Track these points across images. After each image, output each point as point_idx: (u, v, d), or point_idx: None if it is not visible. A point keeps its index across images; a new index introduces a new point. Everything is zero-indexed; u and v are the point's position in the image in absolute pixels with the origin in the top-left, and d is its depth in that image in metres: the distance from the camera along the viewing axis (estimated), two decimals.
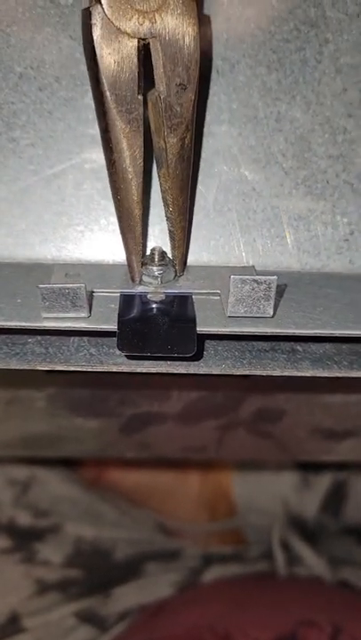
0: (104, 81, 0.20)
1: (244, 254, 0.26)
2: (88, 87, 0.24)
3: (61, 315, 0.21)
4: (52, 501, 0.71)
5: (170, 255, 0.24)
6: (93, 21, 0.19)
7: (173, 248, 0.24)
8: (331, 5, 0.25)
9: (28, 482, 0.71)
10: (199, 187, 0.25)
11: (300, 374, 0.23)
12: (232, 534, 0.77)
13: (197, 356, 0.22)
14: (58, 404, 0.35)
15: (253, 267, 0.25)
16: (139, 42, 0.20)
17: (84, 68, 0.24)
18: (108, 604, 0.68)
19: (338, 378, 0.32)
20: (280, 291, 0.23)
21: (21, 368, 0.22)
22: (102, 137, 0.21)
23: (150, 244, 0.24)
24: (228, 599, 0.66)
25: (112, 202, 0.24)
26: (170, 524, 0.76)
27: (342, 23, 0.25)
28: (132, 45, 0.20)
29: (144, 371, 0.23)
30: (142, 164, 0.22)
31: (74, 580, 0.68)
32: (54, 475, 0.72)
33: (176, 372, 0.23)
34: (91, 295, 0.22)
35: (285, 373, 0.23)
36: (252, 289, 0.21)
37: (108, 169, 0.22)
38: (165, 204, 0.23)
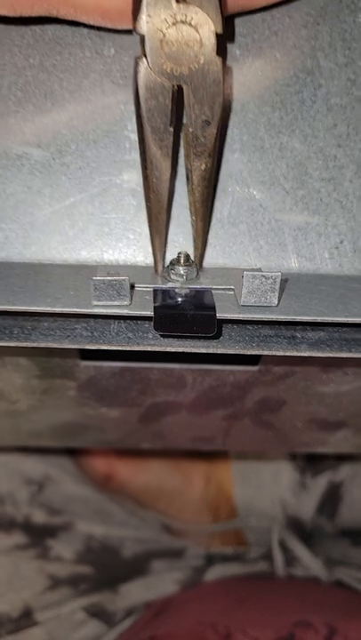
0: (144, 115, 0.25)
1: (252, 259, 0.31)
2: (126, 122, 0.30)
3: (108, 302, 0.26)
4: (64, 501, 0.75)
5: (192, 257, 0.29)
6: (139, 69, 0.25)
7: (195, 249, 0.29)
8: (324, 57, 0.30)
9: (43, 482, 0.75)
10: (216, 203, 0.31)
11: (298, 354, 0.28)
12: (233, 535, 0.81)
13: (216, 336, 0.28)
14: (87, 393, 0.40)
15: (260, 268, 0.30)
16: (173, 86, 0.25)
17: (122, 106, 0.30)
18: (115, 599, 0.72)
19: (330, 367, 0.37)
20: (283, 285, 0.28)
21: (72, 347, 0.28)
22: (140, 157, 0.27)
23: (177, 249, 0.30)
24: (230, 598, 0.69)
25: (144, 215, 0.30)
26: (175, 524, 0.80)
27: (333, 71, 0.31)
28: (167, 88, 0.25)
29: (172, 349, 0.28)
30: (169, 180, 0.27)
31: (84, 576, 0.72)
32: (67, 475, 0.76)
33: (198, 351, 0.28)
34: (132, 287, 0.27)
35: (287, 353, 0.28)
36: (261, 283, 0.26)
37: (144, 182, 0.27)
38: (191, 214, 0.29)
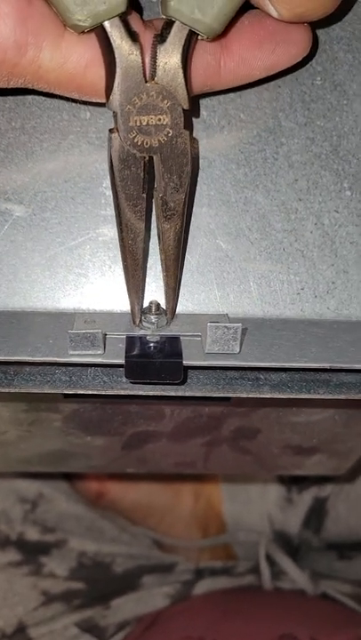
0: (118, 183, 0.28)
1: (220, 305, 0.33)
2: (102, 180, 0.32)
3: (83, 352, 0.28)
4: (58, 518, 0.77)
5: (164, 306, 0.31)
6: (112, 142, 0.27)
7: (167, 302, 0.31)
8: (285, 117, 0.33)
9: (36, 500, 0.77)
10: (186, 253, 0.33)
11: (261, 396, 0.30)
12: (222, 550, 0.83)
13: (183, 382, 0.30)
14: (71, 424, 0.42)
15: (227, 314, 0.33)
16: (144, 157, 0.27)
17: (98, 165, 0.32)
18: (107, 614, 0.74)
19: (298, 400, 0.39)
20: (244, 333, 0.30)
21: (51, 392, 0.30)
22: (116, 220, 0.29)
23: (149, 298, 0.32)
24: (217, 611, 0.72)
25: (120, 266, 0.32)
26: (165, 540, 0.82)
27: (293, 130, 0.33)
28: (139, 159, 0.27)
29: (144, 394, 0.30)
30: (143, 240, 0.29)
31: (76, 592, 0.74)
32: (60, 494, 0.79)
33: (168, 394, 0.30)
34: (104, 337, 0.29)
35: (251, 395, 0.31)
36: (223, 332, 0.29)
37: (120, 243, 0.30)
38: (162, 270, 0.31)
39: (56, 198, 0.32)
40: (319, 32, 0.33)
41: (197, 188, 0.33)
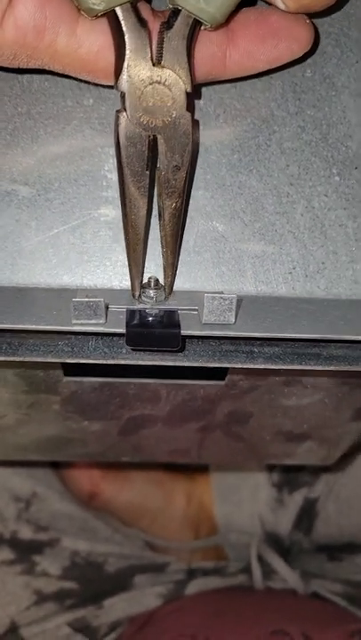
0: (124, 160, 0.29)
1: (215, 283, 0.35)
2: (104, 163, 0.34)
3: (86, 321, 0.30)
4: (51, 517, 0.78)
5: (162, 282, 0.33)
6: (120, 121, 0.29)
7: (165, 277, 0.33)
8: (277, 107, 0.35)
9: (30, 499, 0.78)
10: (184, 234, 0.35)
11: (254, 367, 0.32)
12: (214, 551, 0.84)
13: (181, 350, 0.31)
14: (70, 407, 0.43)
15: (222, 291, 0.34)
16: (149, 136, 0.29)
17: (100, 149, 0.34)
18: (99, 614, 0.74)
19: (291, 381, 0.41)
20: (239, 306, 0.32)
21: (55, 361, 0.31)
22: (120, 196, 0.31)
23: (148, 274, 0.33)
24: (209, 610, 0.72)
25: (120, 244, 0.33)
26: (157, 541, 0.82)
27: (285, 119, 0.35)
28: (144, 137, 0.29)
29: (142, 363, 0.31)
30: (145, 216, 0.31)
31: (69, 592, 0.75)
32: (54, 493, 0.79)
33: (166, 364, 0.31)
34: (107, 308, 0.31)
35: (245, 366, 0.32)
36: (220, 303, 0.30)
37: (123, 218, 0.31)
38: (162, 246, 0.32)
39: (59, 180, 0.34)
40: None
41: (195, 172, 0.34)
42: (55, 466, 0.81)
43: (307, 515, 0.83)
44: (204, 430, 0.47)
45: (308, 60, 0.35)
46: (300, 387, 0.42)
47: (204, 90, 0.34)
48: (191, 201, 0.34)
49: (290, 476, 0.84)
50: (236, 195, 0.35)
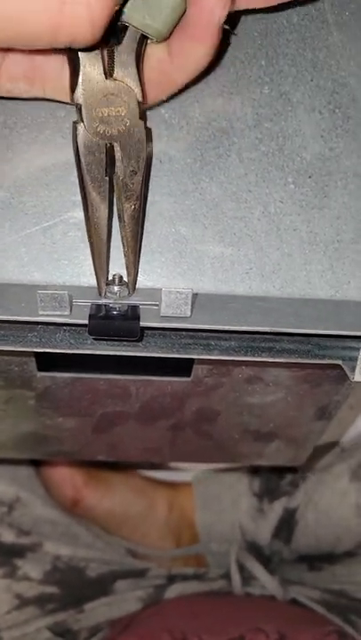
0: (84, 167, 0.32)
1: (177, 282, 0.37)
2: (73, 169, 0.36)
3: (51, 312, 0.32)
4: (33, 522, 0.79)
5: (125, 279, 0.35)
6: (78, 132, 0.31)
7: (128, 275, 0.35)
8: (237, 120, 0.37)
9: (13, 503, 0.79)
10: (148, 236, 0.37)
11: (210, 358, 0.34)
12: (195, 560, 0.85)
13: (140, 340, 0.34)
14: (44, 402, 0.45)
15: (183, 288, 0.37)
16: (106, 144, 0.32)
17: (70, 156, 0.36)
18: (80, 618, 0.75)
19: (253, 379, 0.43)
20: (194, 300, 0.34)
21: (24, 350, 0.34)
22: (82, 201, 0.33)
23: (113, 271, 0.36)
24: (188, 611, 0.73)
25: (87, 244, 0.36)
26: (139, 549, 0.84)
27: (244, 131, 0.38)
28: (101, 146, 0.31)
29: (104, 353, 0.34)
30: (106, 219, 0.33)
31: (50, 596, 0.76)
32: (37, 498, 0.81)
33: (128, 354, 0.34)
34: (71, 300, 0.33)
35: (201, 357, 0.34)
36: (176, 297, 0.33)
37: (85, 222, 0.34)
38: (123, 246, 0.35)
39: (32, 184, 0.36)
40: (268, 48, 0.38)
41: (158, 179, 0.37)
42: (38, 470, 0.83)
43: (286, 524, 0.84)
44: (175, 428, 0.49)
45: (266, 78, 0.38)
46: (263, 384, 0.44)
47: (169, 104, 0.37)
48: (155, 206, 0.37)
49: (270, 486, 0.85)
50: (198, 200, 0.37)
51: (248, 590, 0.78)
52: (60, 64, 0.31)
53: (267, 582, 0.78)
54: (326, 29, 0.37)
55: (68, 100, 0.32)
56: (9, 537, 0.77)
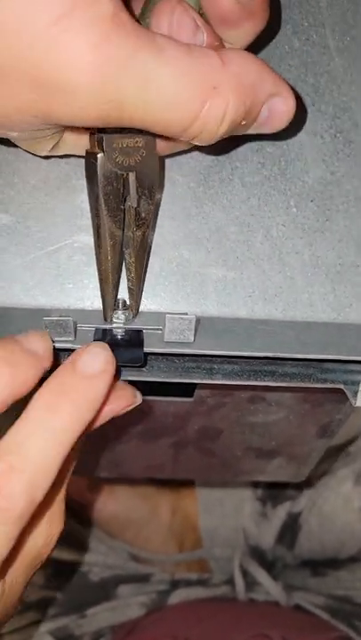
0: (102, 196, 0.32)
1: (180, 305, 0.38)
2: (78, 194, 0.37)
3: (56, 338, 0.33)
4: None
5: (128, 303, 0.36)
6: (99, 161, 0.31)
7: (132, 299, 0.36)
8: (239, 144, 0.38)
9: None
10: (151, 259, 0.37)
11: (212, 382, 0.35)
12: (198, 564, 0.86)
13: (144, 366, 0.34)
14: None
15: (186, 313, 0.37)
16: (123, 175, 0.32)
17: (75, 181, 0.37)
18: (82, 623, 0.76)
19: (256, 399, 0.44)
20: (198, 325, 0.34)
21: None
22: (94, 228, 0.33)
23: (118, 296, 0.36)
24: (192, 617, 0.74)
25: (92, 268, 0.36)
26: (142, 554, 0.84)
27: (246, 154, 0.38)
28: (119, 176, 0.32)
29: None
30: (120, 247, 0.34)
31: (52, 601, 0.77)
32: None
33: (130, 378, 0.34)
34: (76, 327, 0.33)
35: (204, 381, 0.35)
36: (180, 323, 0.33)
37: (96, 249, 0.34)
38: (128, 271, 0.35)
39: (37, 209, 0.37)
40: None
41: (162, 203, 0.38)
42: None
43: (290, 529, 0.84)
44: (177, 446, 0.49)
45: None
46: (265, 404, 0.44)
47: None
48: (159, 229, 0.37)
49: (274, 491, 0.86)
50: (201, 224, 0.38)
51: (252, 596, 0.79)
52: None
53: (270, 588, 0.79)
54: (328, 55, 0.37)
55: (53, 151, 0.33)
56: None
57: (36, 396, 0.29)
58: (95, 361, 0.30)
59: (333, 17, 0.38)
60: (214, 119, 0.28)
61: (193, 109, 0.27)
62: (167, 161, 0.37)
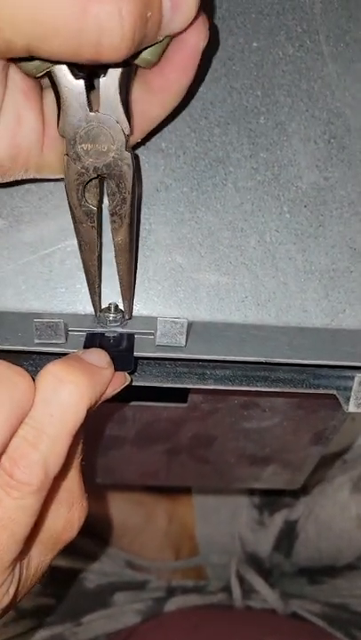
0: (74, 200, 0.32)
1: (173, 310, 0.38)
2: None
3: (47, 341, 0.33)
4: None
5: (121, 308, 0.36)
6: (68, 165, 0.31)
7: (124, 303, 0.36)
8: (233, 150, 0.38)
9: None
10: (144, 264, 0.37)
11: (204, 387, 0.35)
12: (194, 571, 0.85)
13: (134, 371, 0.34)
14: None
15: (178, 318, 0.37)
16: (97, 177, 0.32)
17: None
18: (77, 631, 0.76)
19: (249, 405, 0.43)
20: (189, 329, 0.34)
21: None
22: (75, 232, 0.33)
23: (109, 300, 0.36)
24: (188, 625, 0.73)
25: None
26: (138, 561, 0.84)
27: (240, 160, 0.38)
28: (89, 177, 0.31)
29: None
30: (98, 249, 0.34)
31: (47, 608, 0.76)
32: None
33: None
34: (67, 329, 0.33)
35: (195, 386, 0.35)
36: (171, 327, 0.33)
37: (80, 252, 0.34)
38: (119, 276, 0.35)
39: (31, 213, 0.37)
40: (264, 79, 0.38)
41: (155, 208, 0.38)
42: None
43: (287, 536, 0.84)
44: (171, 452, 0.49)
45: (262, 109, 0.38)
46: (259, 410, 0.44)
47: (165, 133, 0.37)
48: (152, 234, 0.37)
49: (271, 498, 0.85)
50: (194, 229, 0.38)
51: (248, 603, 0.78)
52: (39, 140, 0.32)
53: (267, 595, 0.78)
54: (321, 61, 0.38)
55: (52, 177, 0.33)
56: None
57: (44, 372, 0.30)
58: (101, 355, 0.32)
59: (327, 23, 0.38)
60: (108, 13, 0.24)
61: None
62: (159, 165, 0.37)
